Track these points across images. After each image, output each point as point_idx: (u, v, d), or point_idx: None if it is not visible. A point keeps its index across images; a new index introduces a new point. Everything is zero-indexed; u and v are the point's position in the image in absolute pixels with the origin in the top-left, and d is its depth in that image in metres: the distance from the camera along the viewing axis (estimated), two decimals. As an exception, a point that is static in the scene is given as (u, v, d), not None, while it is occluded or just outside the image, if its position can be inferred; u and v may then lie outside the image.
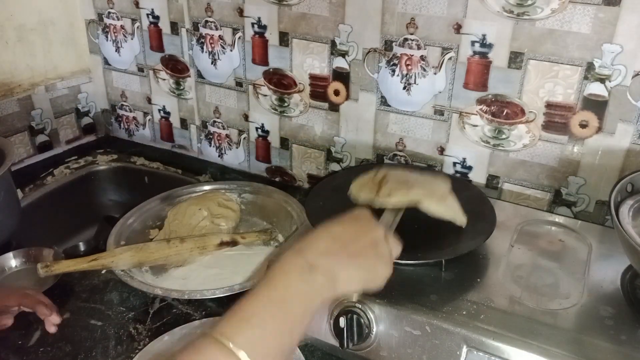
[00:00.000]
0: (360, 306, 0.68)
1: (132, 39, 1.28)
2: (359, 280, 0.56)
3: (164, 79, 1.28)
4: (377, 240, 0.59)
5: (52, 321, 0.76)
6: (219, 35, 1.15)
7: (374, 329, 0.68)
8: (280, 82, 1.12)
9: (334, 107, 1.09)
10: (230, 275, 0.88)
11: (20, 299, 0.77)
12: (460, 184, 0.97)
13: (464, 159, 1.00)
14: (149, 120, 1.37)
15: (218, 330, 0.47)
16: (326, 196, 0.91)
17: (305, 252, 0.54)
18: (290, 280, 0.52)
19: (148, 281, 0.87)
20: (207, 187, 1.12)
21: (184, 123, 1.32)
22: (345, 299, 0.65)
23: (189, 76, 1.24)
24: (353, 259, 0.55)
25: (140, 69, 1.31)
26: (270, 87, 1.14)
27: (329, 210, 0.85)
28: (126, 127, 1.42)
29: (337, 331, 0.70)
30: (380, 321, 0.68)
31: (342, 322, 0.69)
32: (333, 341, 0.71)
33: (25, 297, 0.77)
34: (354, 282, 0.56)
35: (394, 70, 0.99)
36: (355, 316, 0.68)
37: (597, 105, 0.85)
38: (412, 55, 0.96)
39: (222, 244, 0.95)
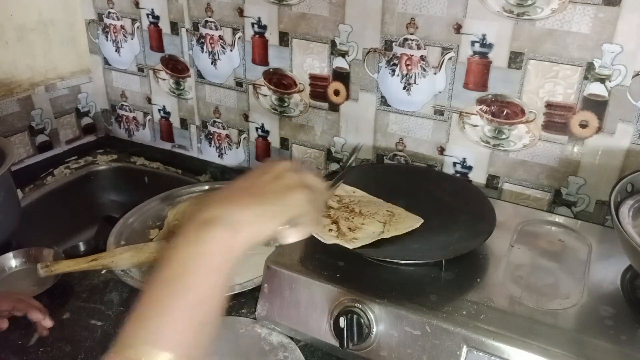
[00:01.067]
0: (360, 306, 0.68)
1: (132, 39, 1.28)
2: (266, 218, 0.48)
3: (164, 79, 1.28)
4: (281, 172, 0.52)
5: (44, 325, 0.77)
6: (219, 35, 1.15)
7: (374, 329, 0.68)
8: (280, 82, 1.12)
9: (334, 107, 1.09)
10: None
11: (13, 303, 0.77)
12: (461, 184, 0.97)
13: (464, 159, 1.00)
14: (149, 120, 1.37)
15: (122, 343, 0.42)
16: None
17: (197, 213, 0.47)
18: (182, 250, 0.45)
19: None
20: (207, 187, 1.12)
21: (184, 123, 1.32)
22: (280, 244, 0.55)
23: (189, 76, 1.24)
24: (252, 198, 0.49)
25: (140, 69, 1.31)
26: (270, 87, 1.14)
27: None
28: (126, 127, 1.42)
29: (337, 331, 0.70)
30: (380, 321, 0.68)
31: (342, 322, 0.69)
32: (333, 341, 0.71)
33: (18, 302, 0.78)
34: (260, 221, 0.48)
35: (394, 70, 0.99)
36: (355, 316, 0.68)
37: (597, 105, 0.85)
38: (412, 55, 0.96)
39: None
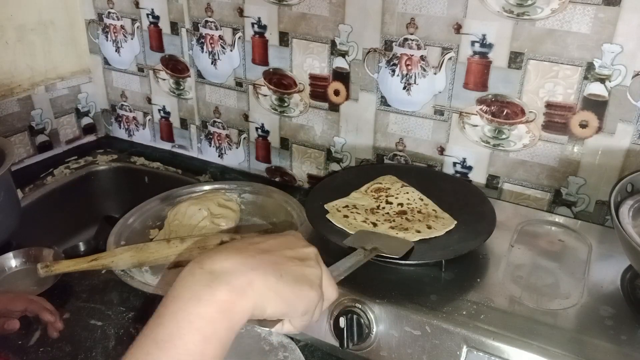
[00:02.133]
0: (360, 306, 0.68)
1: (132, 39, 1.28)
2: (279, 296, 0.43)
3: (164, 79, 1.28)
4: (306, 257, 0.47)
5: (56, 327, 0.78)
6: (219, 35, 1.15)
7: (374, 329, 0.68)
8: (280, 82, 1.12)
9: (334, 107, 1.09)
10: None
11: (26, 304, 0.78)
12: (460, 184, 0.97)
13: (464, 159, 1.00)
14: (149, 120, 1.37)
15: None
16: (326, 196, 0.91)
17: (204, 261, 0.42)
18: (181, 307, 0.40)
19: (148, 281, 0.87)
20: (207, 187, 1.12)
21: (184, 123, 1.32)
22: (263, 326, 0.48)
23: (189, 76, 1.24)
24: (271, 266, 0.43)
25: (140, 69, 1.31)
26: (270, 87, 1.14)
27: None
28: (126, 127, 1.42)
29: (337, 331, 0.70)
30: (380, 321, 0.68)
31: (342, 322, 0.69)
32: (333, 341, 0.71)
33: (31, 303, 0.78)
34: (272, 296, 0.42)
35: (394, 70, 0.99)
36: (355, 316, 0.68)
37: (597, 105, 0.85)
38: (412, 55, 0.96)
39: (222, 244, 0.95)
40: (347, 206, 0.86)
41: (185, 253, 0.93)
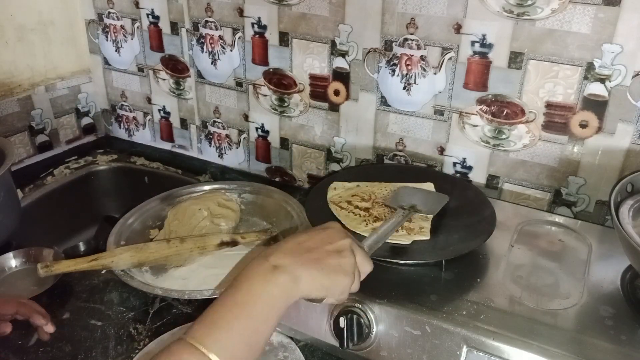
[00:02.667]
0: (360, 306, 0.68)
1: (132, 39, 1.28)
2: (321, 284, 0.57)
3: (164, 79, 1.28)
4: (342, 248, 0.60)
5: (47, 330, 0.78)
6: (219, 35, 1.15)
7: (374, 329, 0.68)
8: (280, 82, 1.12)
9: (334, 107, 1.09)
10: (232, 274, 0.88)
11: (16, 307, 0.78)
12: (461, 184, 0.97)
13: (464, 159, 1.00)
14: (149, 120, 1.37)
15: (190, 335, 0.52)
16: (326, 196, 0.91)
17: (269, 256, 0.57)
18: (253, 283, 0.55)
19: (148, 281, 0.86)
20: (207, 187, 1.12)
21: (184, 123, 1.32)
22: (314, 302, 0.61)
23: (189, 76, 1.24)
24: (315, 263, 0.57)
25: (140, 69, 1.31)
26: (270, 87, 1.14)
27: (329, 210, 0.86)
28: (126, 127, 1.42)
29: (337, 331, 0.70)
30: (380, 321, 0.68)
31: (342, 322, 0.69)
32: (333, 341, 0.71)
33: (21, 306, 0.78)
34: (315, 284, 0.57)
35: (394, 70, 0.99)
36: (355, 316, 0.68)
37: (597, 105, 0.85)
38: (412, 55, 0.96)
39: (222, 244, 0.95)
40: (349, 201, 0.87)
41: (185, 253, 0.93)
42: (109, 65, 1.35)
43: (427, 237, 0.78)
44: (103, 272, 0.92)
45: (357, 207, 0.86)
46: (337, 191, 0.92)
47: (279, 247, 0.59)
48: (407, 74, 0.98)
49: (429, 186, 0.92)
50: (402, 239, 0.77)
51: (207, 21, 1.15)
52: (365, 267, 0.62)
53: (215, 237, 0.96)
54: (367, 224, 0.81)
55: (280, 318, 0.55)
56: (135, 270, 0.88)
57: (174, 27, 1.21)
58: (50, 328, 0.78)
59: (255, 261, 0.57)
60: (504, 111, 0.92)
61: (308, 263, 0.57)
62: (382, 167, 1.07)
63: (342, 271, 0.59)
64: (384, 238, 0.71)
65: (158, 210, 1.05)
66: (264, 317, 0.54)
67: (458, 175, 1.01)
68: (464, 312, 0.66)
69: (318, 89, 1.09)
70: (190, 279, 0.89)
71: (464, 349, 0.64)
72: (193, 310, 0.84)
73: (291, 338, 0.76)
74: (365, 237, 0.69)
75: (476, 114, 0.95)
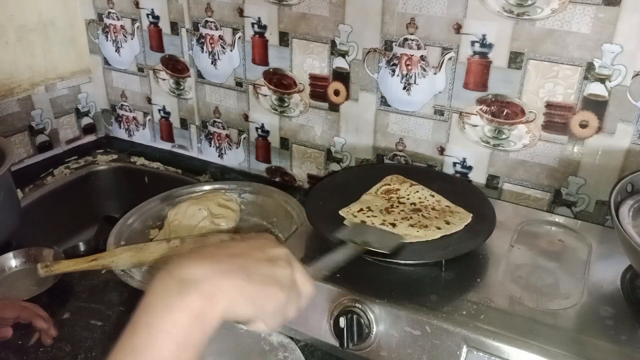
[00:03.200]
0: (360, 306, 0.68)
1: (132, 39, 1.28)
2: (247, 297, 0.44)
3: (164, 79, 1.28)
4: (276, 257, 0.48)
5: (49, 334, 0.78)
6: (219, 35, 1.15)
7: (374, 329, 0.68)
8: (280, 82, 1.12)
9: (334, 107, 1.09)
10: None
11: (18, 311, 0.78)
12: (460, 184, 0.97)
13: (464, 159, 1.00)
14: (149, 120, 1.37)
15: None
16: (326, 196, 0.91)
17: (175, 268, 0.43)
18: (152, 314, 0.42)
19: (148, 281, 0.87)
20: (207, 187, 1.12)
21: (184, 123, 1.32)
22: (242, 324, 0.49)
23: (189, 76, 1.24)
24: (239, 270, 0.45)
25: (140, 69, 1.31)
26: (270, 87, 1.14)
27: (328, 211, 0.86)
28: (126, 127, 1.42)
29: (337, 331, 0.70)
30: (380, 321, 0.68)
31: (342, 322, 0.69)
32: (333, 341, 0.71)
33: (23, 310, 0.78)
34: (240, 298, 0.44)
35: (394, 70, 0.99)
36: (355, 316, 0.68)
37: (597, 105, 0.85)
38: (412, 55, 0.96)
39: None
40: (361, 209, 0.85)
41: (185, 253, 0.93)
42: (109, 65, 1.35)
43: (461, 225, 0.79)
44: (103, 272, 0.92)
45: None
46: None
47: (190, 255, 0.45)
48: (407, 74, 0.98)
49: (398, 178, 0.93)
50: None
51: (207, 21, 1.15)
52: (306, 288, 0.50)
53: (215, 237, 0.96)
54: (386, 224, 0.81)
55: (201, 355, 0.42)
56: (135, 270, 0.88)
57: (174, 27, 1.21)
58: (52, 332, 0.78)
59: (157, 278, 0.43)
60: (504, 111, 0.92)
61: (230, 271, 0.44)
62: (382, 167, 1.07)
63: (276, 282, 0.46)
64: (331, 267, 0.62)
65: (158, 210, 1.06)
66: (173, 359, 0.41)
67: (458, 175, 1.01)
68: (464, 312, 0.66)
69: (318, 89, 1.09)
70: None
71: (464, 349, 0.64)
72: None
73: (291, 338, 0.76)
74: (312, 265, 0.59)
75: (476, 114, 0.95)
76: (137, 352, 0.41)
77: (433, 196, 0.88)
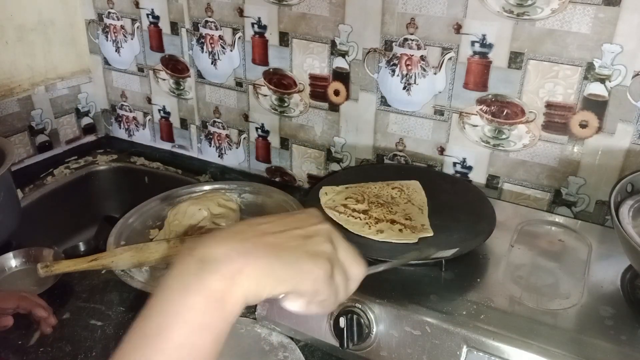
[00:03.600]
0: (360, 306, 0.68)
1: (132, 39, 1.28)
2: (278, 279, 0.40)
3: (164, 79, 1.28)
4: (314, 234, 0.43)
5: (49, 323, 0.78)
6: (219, 36, 1.15)
7: (374, 329, 0.68)
8: (280, 82, 1.12)
9: (334, 107, 1.09)
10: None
11: (17, 301, 0.77)
12: (460, 184, 0.97)
13: (464, 159, 1.00)
14: (149, 120, 1.37)
15: None
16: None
17: (196, 247, 0.39)
18: (167, 297, 0.38)
19: (148, 281, 0.87)
20: (207, 187, 1.12)
21: (184, 123, 1.32)
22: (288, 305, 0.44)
23: (189, 76, 1.24)
24: (268, 248, 0.40)
25: (140, 69, 1.31)
26: (270, 87, 1.14)
27: (327, 215, 0.86)
28: (126, 127, 1.42)
29: (337, 331, 0.70)
30: (380, 321, 0.68)
31: (342, 322, 0.69)
32: (333, 341, 0.71)
33: (22, 300, 0.78)
34: (269, 281, 0.39)
35: (394, 70, 0.99)
36: (355, 316, 0.68)
37: (597, 105, 0.85)
38: (412, 55, 0.96)
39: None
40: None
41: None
42: (109, 65, 1.35)
43: (430, 233, 0.78)
44: (103, 272, 0.92)
45: (354, 210, 0.85)
46: (329, 196, 0.90)
47: (215, 233, 0.41)
48: (407, 74, 0.98)
49: (415, 184, 0.93)
50: (408, 237, 0.77)
51: (207, 21, 1.15)
52: (353, 267, 0.45)
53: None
54: (370, 227, 0.81)
55: (218, 342, 0.38)
56: (135, 270, 0.88)
57: (174, 27, 1.21)
58: (52, 320, 0.78)
59: (177, 258, 0.39)
60: (504, 111, 0.92)
61: (256, 250, 0.40)
62: (382, 167, 1.07)
63: (311, 258, 0.41)
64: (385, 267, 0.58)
65: (158, 210, 1.05)
66: (189, 347, 0.37)
67: (458, 175, 1.01)
68: (464, 312, 0.67)
69: (318, 89, 1.09)
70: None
71: (464, 349, 0.64)
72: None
73: (291, 338, 0.76)
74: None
75: (476, 114, 0.95)
76: (148, 337, 0.37)
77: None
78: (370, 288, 0.70)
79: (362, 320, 0.68)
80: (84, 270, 0.88)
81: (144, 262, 0.90)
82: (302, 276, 0.41)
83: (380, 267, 0.56)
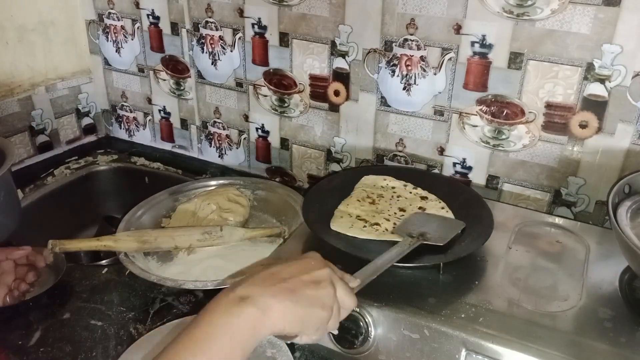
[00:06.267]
0: (358, 309, 0.68)
1: (132, 39, 1.28)
2: (294, 317, 0.53)
3: (164, 80, 1.28)
4: (320, 279, 0.56)
5: (45, 259, 0.86)
6: (219, 36, 1.15)
7: (372, 333, 0.68)
8: (281, 82, 1.12)
9: (334, 108, 1.08)
10: (233, 267, 0.88)
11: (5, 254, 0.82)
12: (458, 187, 0.96)
13: (464, 159, 0.99)
14: (149, 120, 1.37)
15: None
16: (324, 197, 0.91)
17: (237, 287, 0.53)
18: (215, 316, 0.50)
19: (152, 269, 0.88)
20: (220, 182, 1.14)
21: (184, 123, 1.32)
22: (289, 339, 0.58)
23: (189, 77, 1.24)
24: (288, 293, 0.53)
25: (141, 70, 1.31)
26: (271, 87, 1.14)
27: (327, 211, 0.86)
28: (126, 127, 1.42)
29: (335, 335, 0.70)
30: (379, 325, 0.68)
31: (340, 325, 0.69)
32: (331, 345, 0.71)
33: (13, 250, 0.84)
34: (288, 316, 0.52)
35: (393, 71, 0.98)
36: (353, 319, 0.68)
37: (597, 106, 0.85)
38: (412, 56, 0.96)
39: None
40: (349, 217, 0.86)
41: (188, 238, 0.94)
42: (110, 65, 1.35)
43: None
44: (103, 272, 0.93)
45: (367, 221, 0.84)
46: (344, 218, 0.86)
47: (248, 278, 0.54)
48: (407, 75, 0.97)
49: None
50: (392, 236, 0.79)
51: (207, 22, 1.15)
52: (347, 302, 0.58)
53: (215, 227, 0.97)
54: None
55: (247, 355, 0.50)
56: (139, 257, 0.89)
57: (174, 28, 1.21)
58: (48, 257, 0.86)
59: (221, 293, 0.53)
60: (503, 111, 0.92)
61: (281, 293, 0.53)
62: (382, 167, 1.07)
63: (319, 303, 0.54)
64: (381, 270, 0.65)
65: (167, 204, 1.07)
66: (226, 353, 0.49)
67: (458, 175, 1.01)
68: (463, 315, 0.66)
69: (318, 90, 1.09)
70: (191, 269, 0.91)
71: (463, 352, 0.64)
72: (193, 310, 0.84)
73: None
74: (360, 270, 0.64)
75: (476, 115, 0.95)
76: (196, 343, 0.48)
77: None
78: (369, 291, 0.69)
79: (360, 324, 0.68)
80: (84, 270, 0.89)
81: (146, 247, 0.91)
82: (312, 318, 0.54)
83: (370, 276, 0.63)
